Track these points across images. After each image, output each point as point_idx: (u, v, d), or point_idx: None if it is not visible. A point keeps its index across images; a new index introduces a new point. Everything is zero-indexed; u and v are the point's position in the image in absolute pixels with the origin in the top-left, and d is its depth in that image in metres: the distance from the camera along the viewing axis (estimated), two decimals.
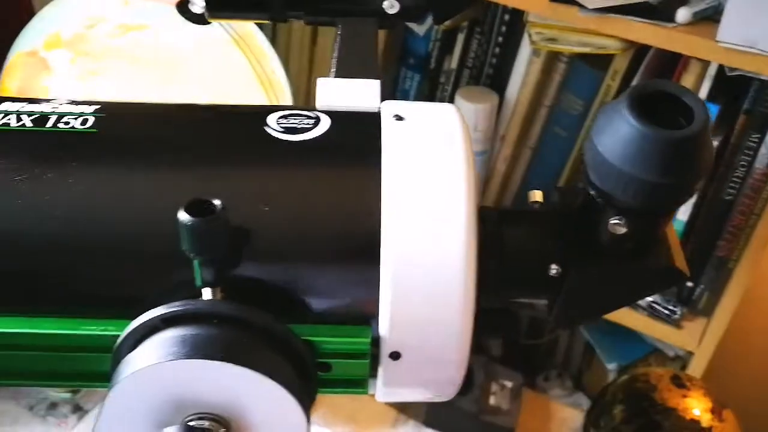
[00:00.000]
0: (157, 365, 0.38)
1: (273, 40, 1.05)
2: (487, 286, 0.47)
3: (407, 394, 0.47)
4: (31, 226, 0.42)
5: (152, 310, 0.40)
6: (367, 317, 0.42)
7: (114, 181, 0.43)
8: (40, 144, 0.44)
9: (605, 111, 0.44)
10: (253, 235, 0.42)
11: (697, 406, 0.70)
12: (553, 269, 0.47)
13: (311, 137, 0.45)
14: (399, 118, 0.45)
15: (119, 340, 0.40)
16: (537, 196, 0.54)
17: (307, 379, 0.42)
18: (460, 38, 0.98)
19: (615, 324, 0.94)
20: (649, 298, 0.90)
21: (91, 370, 0.42)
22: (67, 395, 0.85)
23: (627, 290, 0.49)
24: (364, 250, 0.42)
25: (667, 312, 0.89)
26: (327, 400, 0.84)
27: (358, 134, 0.46)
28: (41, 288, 0.42)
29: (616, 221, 0.45)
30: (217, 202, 0.38)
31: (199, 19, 0.74)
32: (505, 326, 0.53)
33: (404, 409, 0.85)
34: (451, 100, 0.96)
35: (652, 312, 0.90)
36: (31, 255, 0.42)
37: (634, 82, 0.87)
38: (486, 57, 0.98)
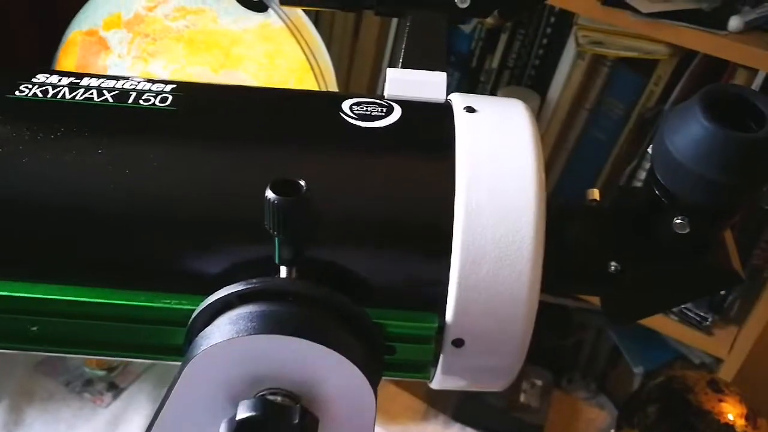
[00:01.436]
0: (234, 339, 0.38)
1: None
2: (545, 278, 0.48)
3: (463, 383, 0.48)
4: (112, 201, 0.43)
5: (229, 286, 0.40)
6: (434, 304, 0.43)
7: (195, 159, 0.44)
8: (122, 120, 0.45)
9: (677, 112, 0.45)
10: (329, 217, 0.43)
11: (732, 411, 0.71)
12: (613, 266, 0.48)
13: (385, 125, 0.46)
14: (471, 110, 0.46)
15: (194, 315, 0.41)
16: (595, 194, 0.54)
17: (376, 360, 0.43)
18: (503, 38, 0.98)
19: (643, 328, 0.94)
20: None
21: (163, 343, 0.42)
22: (103, 373, 0.85)
23: (682, 290, 0.50)
24: (436, 238, 0.43)
25: (698, 318, 0.89)
26: None
27: (431, 124, 0.47)
28: (122, 260, 0.43)
29: (680, 220, 0.45)
30: (302, 182, 0.39)
31: (256, 6, 0.75)
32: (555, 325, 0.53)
33: (434, 403, 0.86)
34: None
35: (683, 317, 0.90)
36: (112, 228, 0.43)
37: (678, 89, 0.87)
38: (528, 58, 0.99)
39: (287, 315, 0.39)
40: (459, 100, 0.47)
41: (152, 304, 0.42)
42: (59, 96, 0.45)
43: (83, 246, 0.43)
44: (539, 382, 0.86)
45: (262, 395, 0.39)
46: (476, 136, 0.44)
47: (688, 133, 0.44)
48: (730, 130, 0.42)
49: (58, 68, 0.76)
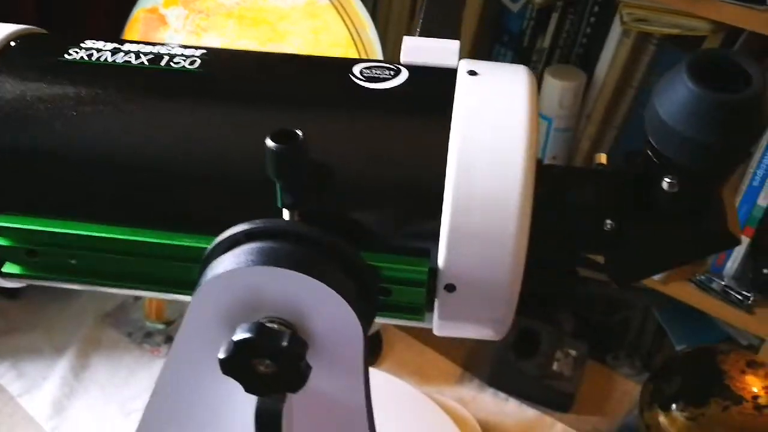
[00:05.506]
0: (236, 270, 0.43)
1: (373, 13, 1.10)
2: (547, 237, 0.51)
3: (461, 329, 0.51)
4: (142, 151, 0.48)
5: (237, 225, 0.45)
6: (427, 251, 0.47)
7: (214, 115, 0.49)
8: (153, 79, 0.50)
9: (666, 75, 0.47)
10: (330, 166, 0.47)
11: (758, 385, 0.71)
12: (608, 224, 0.50)
13: (390, 86, 0.50)
14: (473, 73, 0.49)
15: (208, 251, 0.46)
16: (602, 158, 0.57)
17: (369, 299, 0.47)
18: (554, 17, 1.00)
19: (687, 307, 0.94)
20: (723, 282, 0.90)
21: (182, 278, 0.48)
22: (162, 326, 0.92)
23: (679, 250, 0.51)
24: (429, 189, 0.46)
25: (739, 297, 0.89)
26: (395, 356, 0.88)
27: (433, 85, 0.50)
28: (149, 203, 0.48)
29: (669, 180, 0.47)
30: (299, 132, 0.43)
31: None
32: (562, 285, 0.56)
33: (469, 367, 0.89)
34: (540, 78, 0.99)
35: (725, 296, 0.90)
36: (141, 175, 0.48)
37: None
38: (577, 36, 1.00)
39: (284, 251, 0.44)
40: (464, 65, 0.50)
41: (173, 242, 0.47)
42: (102, 59, 0.51)
43: (114, 189, 0.48)
44: (573, 353, 0.87)
45: (260, 322, 0.44)
46: (473, 96, 0.48)
47: (675, 95, 0.46)
48: (712, 91, 0.44)
49: None
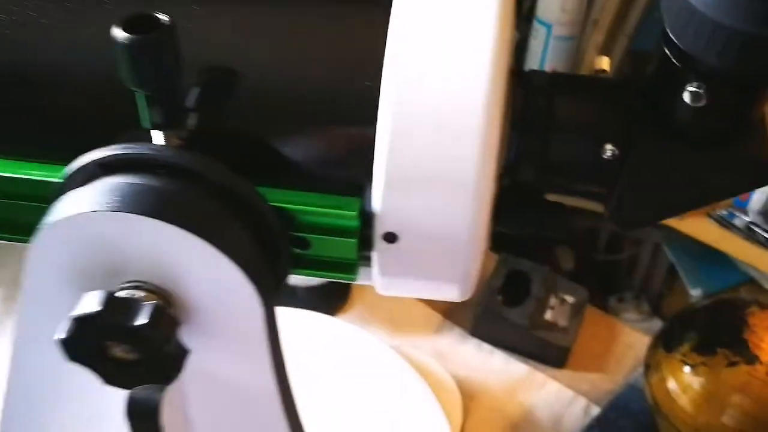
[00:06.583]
0: (79, 216, 0.31)
1: None
2: (529, 164, 0.38)
3: (410, 288, 0.39)
4: None
5: (90, 152, 0.33)
6: (359, 187, 0.34)
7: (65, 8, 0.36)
8: None
9: None
10: (222, 71, 0.34)
11: None
12: (609, 150, 0.37)
13: None
14: None
15: (57, 188, 0.34)
16: (604, 62, 0.44)
17: (275, 257, 0.34)
18: None
19: (704, 245, 0.82)
20: (747, 218, 0.78)
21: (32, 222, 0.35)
22: None
23: (703, 186, 0.39)
24: (358, 103, 0.34)
25: (766, 236, 0.77)
26: (365, 300, 0.77)
27: None
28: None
29: (694, 89, 0.34)
30: (163, 17, 0.30)
31: None
32: (550, 223, 0.43)
33: (449, 315, 0.77)
34: None
35: (749, 235, 0.78)
36: None
37: None
38: None
39: (145, 190, 0.31)
40: None
41: (16, 175, 0.35)
42: None
43: None
44: (570, 299, 0.76)
45: (121, 289, 0.32)
46: None
47: None
48: None
49: None
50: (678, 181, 0.39)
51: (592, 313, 0.78)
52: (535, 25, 0.86)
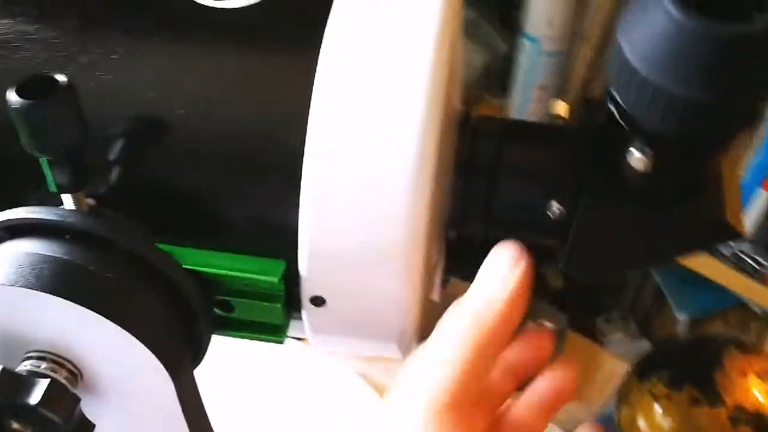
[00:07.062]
0: None
1: None
2: (475, 218, 0.36)
3: (346, 346, 0.38)
4: None
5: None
6: (283, 248, 0.33)
7: None
8: None
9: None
10: (142, 123, 0.33)
11: (753, 393, 0.57)
12: (555, 207, 0.35)
13: (242, 4, 0.34)
14: None
15: None
16: (560, 107, 0.42)
17: (192, 319, 0.33)
18: None
19: (692, 271, 0.80)
20: (734, 246, 0.76)
21: None
22: None
23: (658, 243, 0.37)
24: (283, 159, 0.32)
25: (754, 265, 0.75)
26: None
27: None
28: None
29: (638, 153, 0.32)
30: (61, 78, 0.28)
31: None
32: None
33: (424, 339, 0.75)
34: None
35: (737, 263, 0.76)
36: None
37: None
38: None
39: (46, 261, 0.29)
40: None
41: None
42: None
43: None
44: (549, 325, 0.74)
45: (24, 359, 0.31)
46: (356, 15, 0.32)
47: (648, 25, 0.30)
48: (704, 20, 0.28)
49: None
50: (630, 239, 0.37)
51: (573, 339, 0.77)
52: (523, 40, 0.84)
